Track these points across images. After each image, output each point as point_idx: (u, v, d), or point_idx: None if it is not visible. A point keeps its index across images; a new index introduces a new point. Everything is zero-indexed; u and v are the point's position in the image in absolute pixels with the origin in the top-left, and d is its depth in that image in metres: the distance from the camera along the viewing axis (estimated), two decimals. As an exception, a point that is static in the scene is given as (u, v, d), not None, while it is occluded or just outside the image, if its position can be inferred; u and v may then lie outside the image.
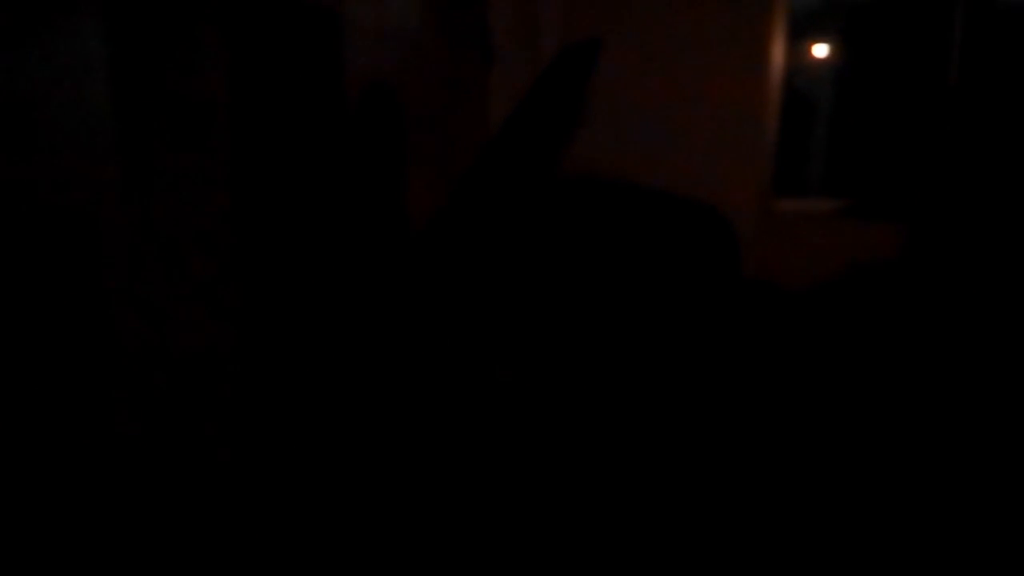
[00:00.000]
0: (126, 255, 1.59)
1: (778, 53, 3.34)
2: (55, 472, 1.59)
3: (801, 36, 3.83)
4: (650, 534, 2.00)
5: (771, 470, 2.41)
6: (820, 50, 3.81)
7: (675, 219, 2.78)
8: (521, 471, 2.03)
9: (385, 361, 2.03)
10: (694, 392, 2.49)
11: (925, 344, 3.17)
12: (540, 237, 2.38)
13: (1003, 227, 3.18)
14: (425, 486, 1.92)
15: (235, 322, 1.69)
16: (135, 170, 1.58)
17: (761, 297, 2.93)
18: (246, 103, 1.75)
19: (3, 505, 1.57)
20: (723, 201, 3.33)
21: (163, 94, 1.59)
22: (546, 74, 1.98)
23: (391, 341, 2.05)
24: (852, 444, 2.67)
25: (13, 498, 1.57)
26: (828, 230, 3.40)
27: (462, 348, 2.13)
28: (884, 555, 2.02)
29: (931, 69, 3.32)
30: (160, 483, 1.65)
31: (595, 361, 2.42)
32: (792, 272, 3.34)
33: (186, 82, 1.61)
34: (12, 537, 1.57)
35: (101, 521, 1.63)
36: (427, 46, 2.86)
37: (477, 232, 2.13)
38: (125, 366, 1.62)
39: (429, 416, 2.02)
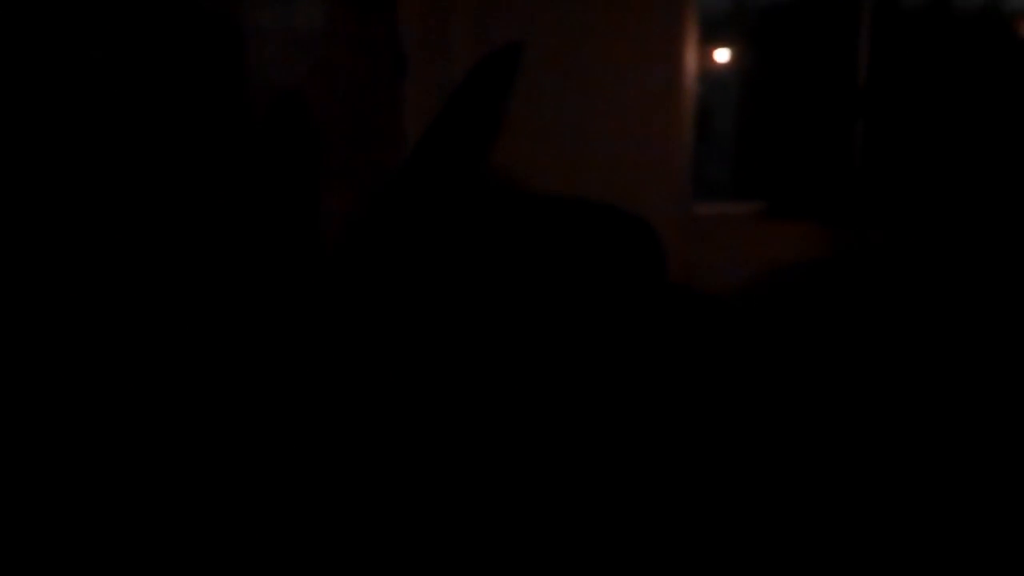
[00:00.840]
0: None
1: (690, 59, 3.36)
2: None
3: (710, 41, 3.87)
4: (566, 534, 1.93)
5: (697, 474, 2.38)
6: (722, 55, 3.86)
7: (602, 227, 2.73)
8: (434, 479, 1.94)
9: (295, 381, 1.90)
10: (622, 399, 2.44)
11: (852, 343, 3.23)
12: (463, 250, 2.29)
13: (917, 223, 3.27)
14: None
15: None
16: None
17: (688, 302, 2.92)
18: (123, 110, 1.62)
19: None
20: (644, 207, 3.31)
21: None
22: (467, 82, 1.89)
23: (295, 356, 1.92)
24: (778, 445, 2.67)
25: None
26: (747, 232, 3.44)
27: (379, 362, 2.02)
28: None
29: (840, 71, 3.40)
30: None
31: (523, 370, 2.34)
32: (714, 275, 3.36)
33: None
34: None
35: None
36: (336, 55, 2.74)
37: (398, 245, 2.03)
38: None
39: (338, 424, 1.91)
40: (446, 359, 2.16)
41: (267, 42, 2.27)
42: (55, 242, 1.66)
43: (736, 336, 3.32)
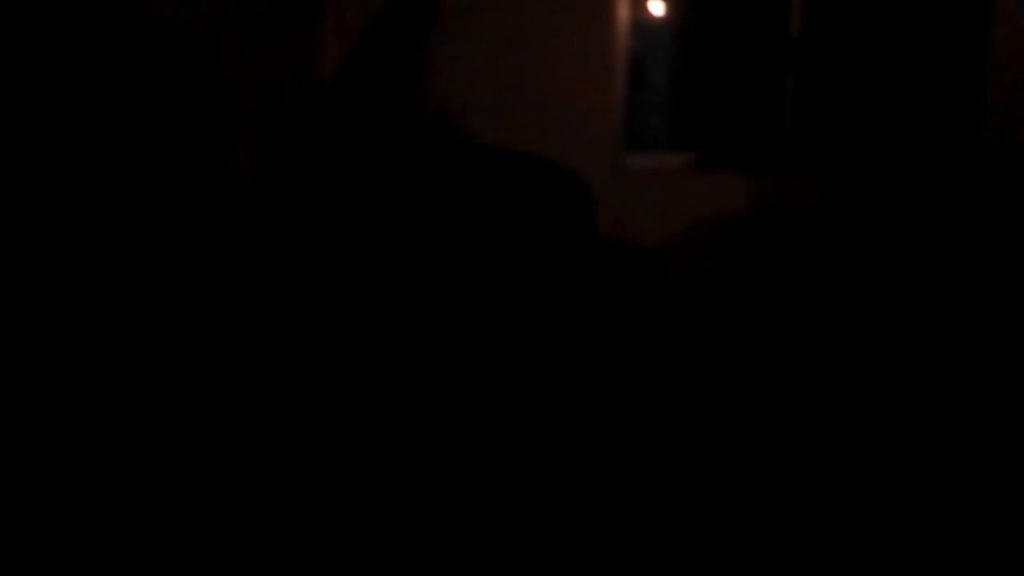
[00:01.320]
0: None
1: (623, 10, 3.26)
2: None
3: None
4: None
5: (618, 439, 2.33)
6: (656, 6, 3.77)
7: (530, 180, 2.63)
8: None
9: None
10: (553, 356, 2.37)
11: (786, 296, 3.23)
12: (390, 199, 2.16)
13: (848, 172, 3.26)
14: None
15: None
16: None
17: (618, 256, 2.86)
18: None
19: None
20: (575, 159, 3.22)
21: None
22: (382, 16, 1.74)
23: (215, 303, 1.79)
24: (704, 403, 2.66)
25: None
26: (680, 184, 3.38)
27: (297, 310, 1.89)
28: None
29: (772, 22, 3.34)
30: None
31: (447, 324, 2.24)
32: (646, 228, 3.30)
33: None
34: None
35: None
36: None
37: (315, 191, 1.89)
38: None
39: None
40: (358, 304, 2.04)
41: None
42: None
43: (667, 291, 3.29)
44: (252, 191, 2.00)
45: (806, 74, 3.37)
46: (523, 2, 3.20)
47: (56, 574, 1.50)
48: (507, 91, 3.22)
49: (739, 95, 3.46)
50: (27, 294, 1.67)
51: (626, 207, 3.34)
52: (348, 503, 1.69)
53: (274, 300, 1.88)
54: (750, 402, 2.61)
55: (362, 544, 1.61)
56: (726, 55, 3.47)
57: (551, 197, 2.71)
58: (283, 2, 2.73)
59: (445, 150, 2.78)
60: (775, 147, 3.41)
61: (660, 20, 3.76)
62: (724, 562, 1.73)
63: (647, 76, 3.80)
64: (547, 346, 2.34)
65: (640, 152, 3.53)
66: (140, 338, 1.77)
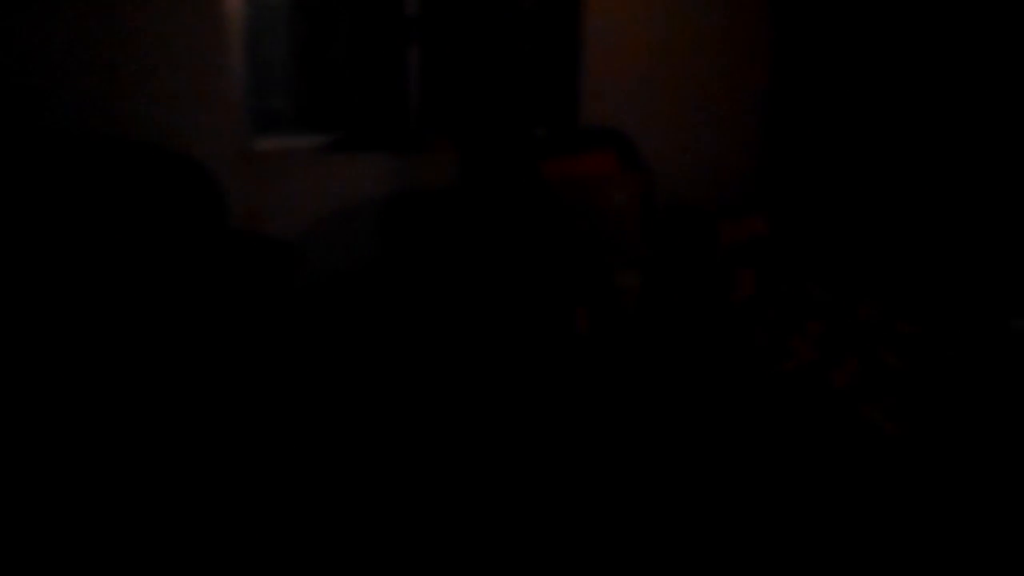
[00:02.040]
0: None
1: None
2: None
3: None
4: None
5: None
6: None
7: (140, 172, 2.33)
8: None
9: None
10: (174, 359, 2.16)
11: (437, 275, 3.27)
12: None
13: (474, 152, 3.38)
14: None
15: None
16: None
17: (252, 249, 2.67)
18: None
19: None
20: (195, 145, 2.93)
21: None
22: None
23: None
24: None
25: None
26: (315, 167, 3.25)
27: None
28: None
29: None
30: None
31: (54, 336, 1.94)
32: (283, 216, 3.14)
33: None
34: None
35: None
36: None
37: None
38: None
39: None
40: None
41: None
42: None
43: (308, 283, 3.16)
44: None
45: (430, 50, 3.43)
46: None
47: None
48: (107, 71, 2.81)
49: (366, 72, 3.41)
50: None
51: (260, 195, 3.13)
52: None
53: None
54: (377, 394, 2.60)
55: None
56: (349, 31, 3.39)
57: (168, 190, 2.44)
58: None
59: (36, 140, 2.36)
60: (405, 125, 3.43)
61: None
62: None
63: (271, 52, 3.59)
64: (168, 349, 2.11)
65: (269, 136, 3.33)
66: None
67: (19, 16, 2.61)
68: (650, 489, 2.10)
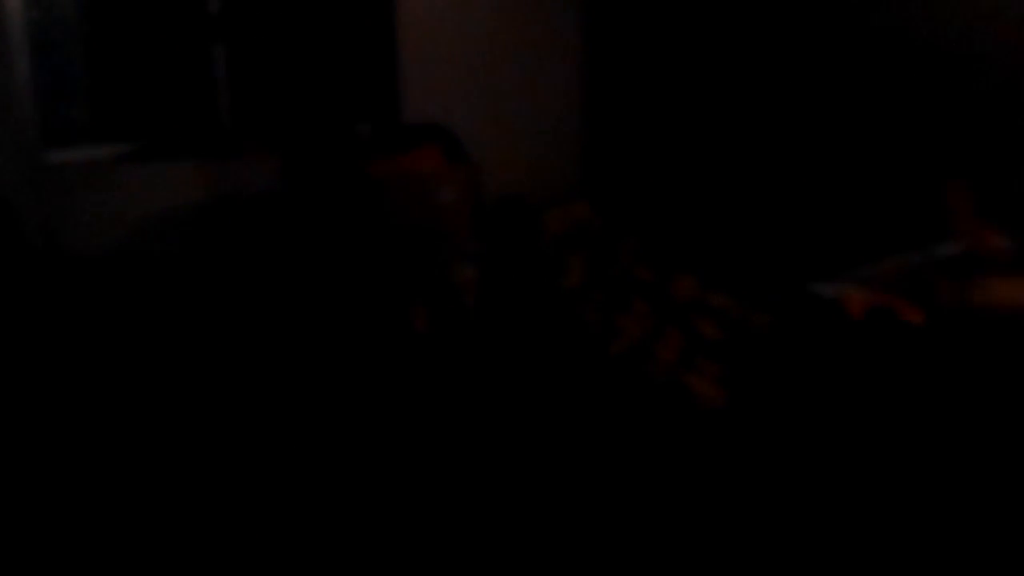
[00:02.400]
0: None
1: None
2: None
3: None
4: None
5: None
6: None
7: None
8: None
9: None
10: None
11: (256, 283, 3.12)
12: None
13: (292, 154, 3.27)
14: None
15: None
16: None
17: (52, 268, 2.45)
18: None
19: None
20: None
21: None
22: None
23: None
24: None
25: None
26: (117, 179, 3.03)
27: None
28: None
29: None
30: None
31: None
32: (83, 233, 2.90)
33: None
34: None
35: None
36: None
37: None
38: None
39: None
40: None
41: None
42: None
43: (116, 302, 2.95)
44: None
45: (237, 50, 3.28)
46: None
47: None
48: None
49: (169, 76, 3.22)
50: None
51: (58, 211, 2.89)
52: None
53: None
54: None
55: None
56: (149, 32, 3.18)
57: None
58: None
59: None
60: (214, 130, 3.27)
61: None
62: None
63: (63, 61, 3.30)
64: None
65: (67, 148, 3.07)
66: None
67: None
68: (485, 480, 2.11)
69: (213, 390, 2.56)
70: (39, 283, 2.33)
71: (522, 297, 3.16)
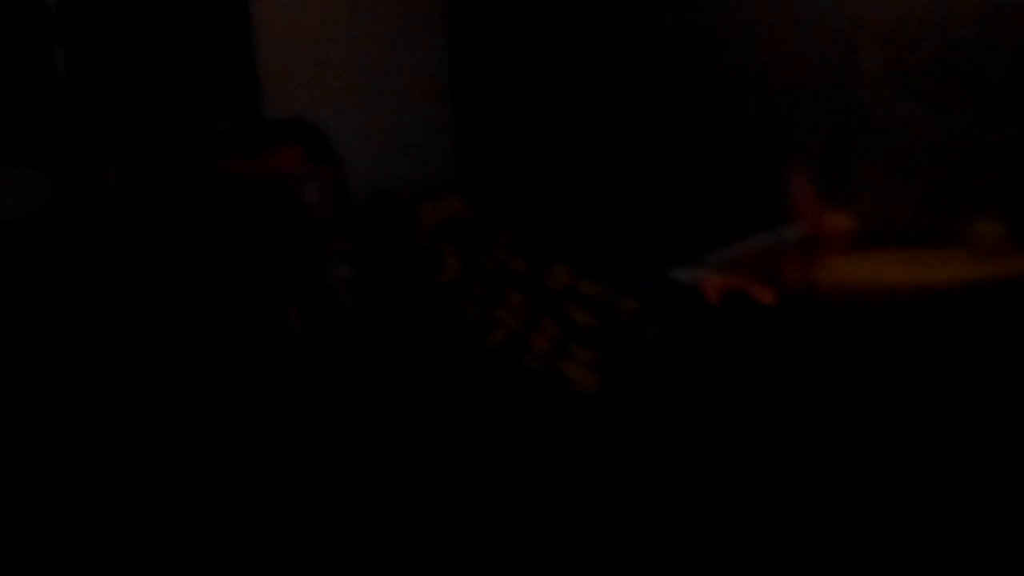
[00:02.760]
0: None
1: None
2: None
3: None
4: None
5: None
6: None
7: None
8: None
9: None
10: None
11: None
12: None
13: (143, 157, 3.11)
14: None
15: None
16: None
17: None
18: None
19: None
20: None
21: None
22: None
23: None
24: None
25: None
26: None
27: None
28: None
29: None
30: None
31: None
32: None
33: None
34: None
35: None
36: None
37: None
38: None
39: None
40: None
41: None
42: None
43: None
44: None
45: (79, 47, 3.09)
46: None
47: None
48: None
49: (6, 78, 3.00)
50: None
51: None
52: None
53: None
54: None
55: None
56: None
57: None
58: None
59: None
60: (58, 134, 3.07)
61: None
62: None
63: None
64: None
65: None
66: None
67: None
68: (363, 479, 2.10)
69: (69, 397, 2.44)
70: None
71: (399, 293, 3.13)
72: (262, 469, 2.15)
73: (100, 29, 3.11)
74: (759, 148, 2.90)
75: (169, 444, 2.27)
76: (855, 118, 2.55)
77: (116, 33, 3.14)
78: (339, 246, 3.01)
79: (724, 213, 2.84)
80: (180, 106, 3.31)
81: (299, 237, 2.75)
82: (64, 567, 1.85)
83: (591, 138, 3.71)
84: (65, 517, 1.98)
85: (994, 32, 2.44)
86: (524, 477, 2.10)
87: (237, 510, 1.97)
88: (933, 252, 2.15)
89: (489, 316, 2.94)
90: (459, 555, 1.89)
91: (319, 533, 1.91)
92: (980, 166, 2.35)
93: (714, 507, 1.91)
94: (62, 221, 2.90)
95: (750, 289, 2.20)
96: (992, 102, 2.45)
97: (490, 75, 4.21)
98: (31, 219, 2.83)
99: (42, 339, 2.73)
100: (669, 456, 2.10)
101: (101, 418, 2.36)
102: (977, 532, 1.77)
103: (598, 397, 2.43)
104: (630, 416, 2.31)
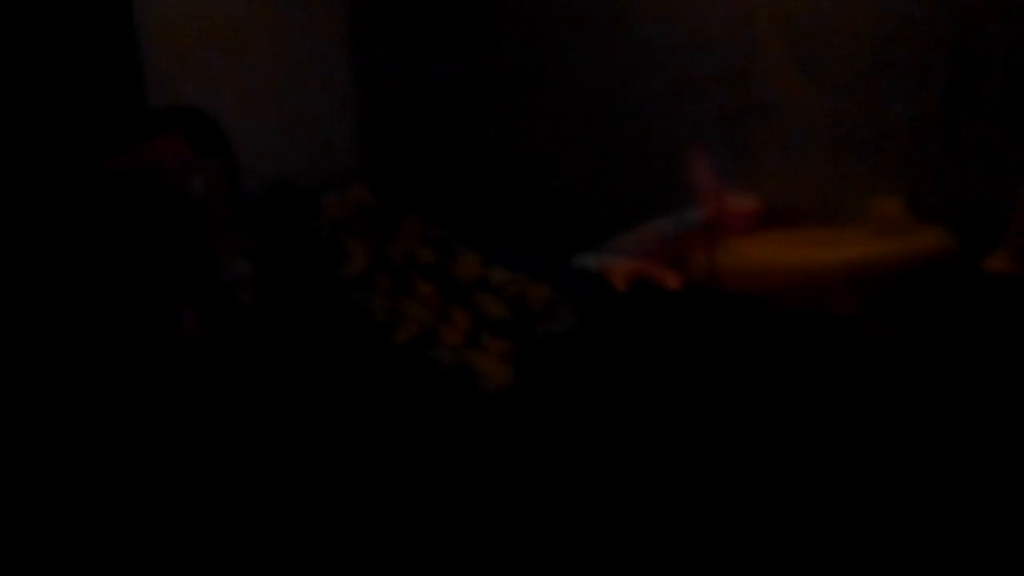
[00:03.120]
0: None
1: None
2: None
3: None
4: None
5: None
6: None
7: None
8: None
9: None
10: None
11: None
12: None
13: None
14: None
15: None
16: None
17: None
18: None
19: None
20: None
21: None
22: None
23: None
24: None
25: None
26: None
27: None
28: None
29: None
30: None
31: None
32: None
33: None
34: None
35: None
36: None
37: None
38: None
39: None
40: None
41: None
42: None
43: None
44: None
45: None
46: None
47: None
48: None
49: None
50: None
51: None
52: None
53: None
54: None
55: None
56: None
57: None
58: None
59: None
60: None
61: None
62: None
63: None
64: None
65: None
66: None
67: None
68: (270, 483, 2.01)
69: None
70: None
71: (302, 289, 3.01)
72: (156, 481, 2.03)
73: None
74: (658, 132, 2.90)
75: (51, 460, 2.12)
76: (752, 97, 2.56)
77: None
78: (235, 241, 2.86)
79: (626, 197, 2.83)
80: (55, 100, 3.09)
81: (187, 233, 2.60)
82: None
83: (495, 122, 3.66)
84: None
85: (891, 9, 2.48)
86: (435, 477, 2.04)
87: (129, 521, 1.86)
88: (834, 230, 2.17)
89: (398, 310, 2.85)
90: (367, 560, 1.83)
91: (217, 541, 1.82)
92: (878, 143, 2.39)
93: (630, 498, 1.89)
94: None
95: (656, 275, 2.17)
96: (889, 78, 2.49)
97: (395, 57, 4.09)
98: None
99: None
100: (582, 449, 2.07)
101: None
102: (884, 518, 1.78)
103: (511, 391, 2.38)
104: (544, 409, 2.26)
